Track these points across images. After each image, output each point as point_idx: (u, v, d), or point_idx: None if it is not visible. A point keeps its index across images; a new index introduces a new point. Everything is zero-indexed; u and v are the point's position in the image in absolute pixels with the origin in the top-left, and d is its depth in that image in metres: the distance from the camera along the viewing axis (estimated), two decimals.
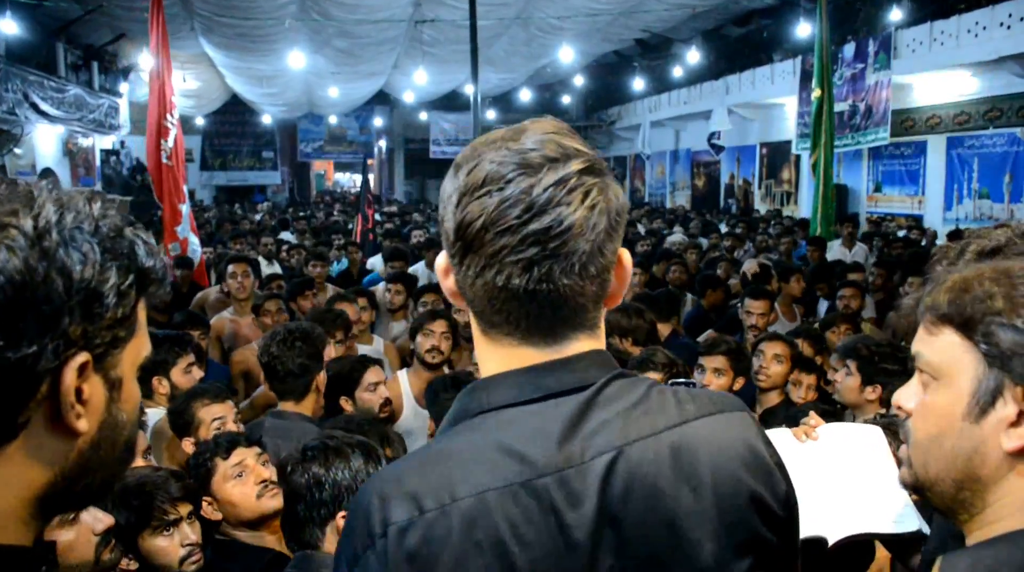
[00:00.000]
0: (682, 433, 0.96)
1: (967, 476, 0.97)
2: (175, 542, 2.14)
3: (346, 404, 3.39)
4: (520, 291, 0.91)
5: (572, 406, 0.94)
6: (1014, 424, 0.92)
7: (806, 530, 1.77)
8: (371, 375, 3.43)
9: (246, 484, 2.30)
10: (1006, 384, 0.92)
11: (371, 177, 35.04)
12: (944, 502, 1.01)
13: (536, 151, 0.92)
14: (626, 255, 1.00)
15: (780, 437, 1.95)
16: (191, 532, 2.17)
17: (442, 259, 0.99)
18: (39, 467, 0.74)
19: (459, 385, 3.15)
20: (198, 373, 3.58)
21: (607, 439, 0.93)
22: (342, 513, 1.92)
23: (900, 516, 1.79)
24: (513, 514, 0.89)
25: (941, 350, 0.98)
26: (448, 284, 0.99)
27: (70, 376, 0.71)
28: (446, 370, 3.97)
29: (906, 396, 1.05)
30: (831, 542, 1.77)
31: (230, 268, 5.41)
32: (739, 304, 5.02)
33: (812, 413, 2.08)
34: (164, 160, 6.54)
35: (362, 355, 3.84)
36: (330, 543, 1.92)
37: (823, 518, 1.79)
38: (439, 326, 3.95)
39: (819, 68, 9.19)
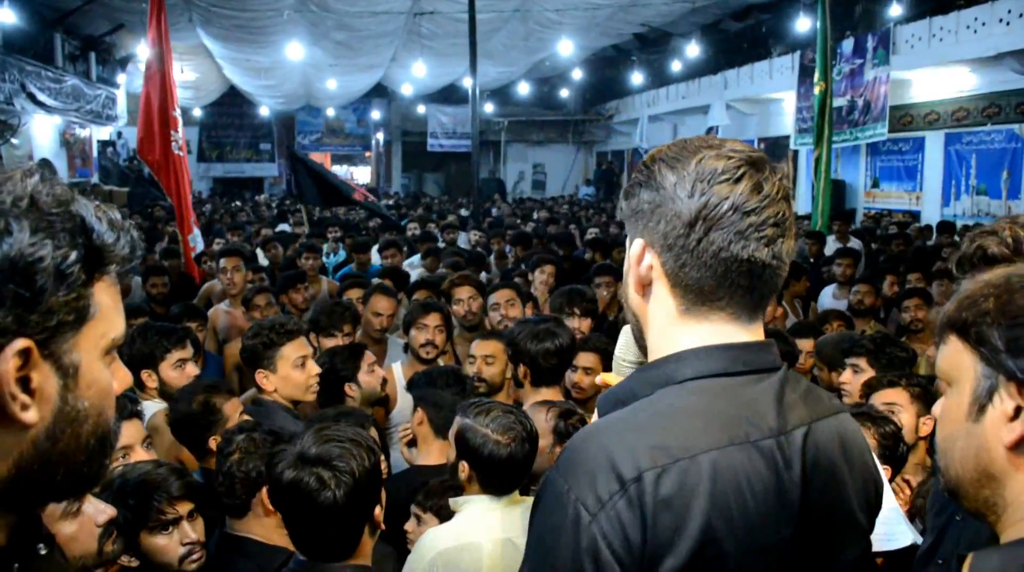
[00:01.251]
0: (838, 420, 1.15)
1: (981, 475, 1.00)
2: (175, 541, 2.13)
3: (351, 390, 3.38)
4: (760, 263, 1.06)
5: (774, 382, 1.09)
6: (1012, 419, 0.95)
7: None
8: (369, 357, 3.48)
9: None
10: (1000, 381, 0.95)
11: (368, 170, 35.00)
12: (972, 504, 1.03)
13: (751, 153, 1.10)
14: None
15: None
16: (191, 530, 2.16)
17: (639, 246, 1.12)
18: None
19: (461, 380, 3.14)
20: (192, 369, 3.42)
21: (800, 415, 1.09)
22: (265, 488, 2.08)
23: (894, 532, 1.80)
24: (748, 468, 1.02)
25: (947, 357, 1.03)
26: (642, 270, 1.12)
27: (6, 365, 0.66)
28: (441, 362, 3.96)
29: (935, 407, 1.12)
30: None
31: (221, 263, 5.39)
32: None
33: None
34: (176, 151, 6.55)
35: (352, 343, 3.82)
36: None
37: None
38: (433, 319, 3.91)
39: (821, 61, 9.20)
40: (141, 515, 2.09)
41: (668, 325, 1.12)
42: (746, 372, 1.08)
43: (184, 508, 2.16)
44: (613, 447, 1.00)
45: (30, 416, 0.69)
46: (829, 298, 6.43)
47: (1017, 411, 0.95)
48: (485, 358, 3.49)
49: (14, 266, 0.65)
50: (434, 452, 2.86)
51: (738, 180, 1.06)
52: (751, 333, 1.11)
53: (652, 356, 1.15)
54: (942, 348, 1.05)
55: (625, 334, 1.35)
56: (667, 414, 1.05)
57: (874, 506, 1.16)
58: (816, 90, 9.35)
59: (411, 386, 3.26)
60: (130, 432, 2.44)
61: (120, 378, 0.80)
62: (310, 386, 3.10)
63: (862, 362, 3.29)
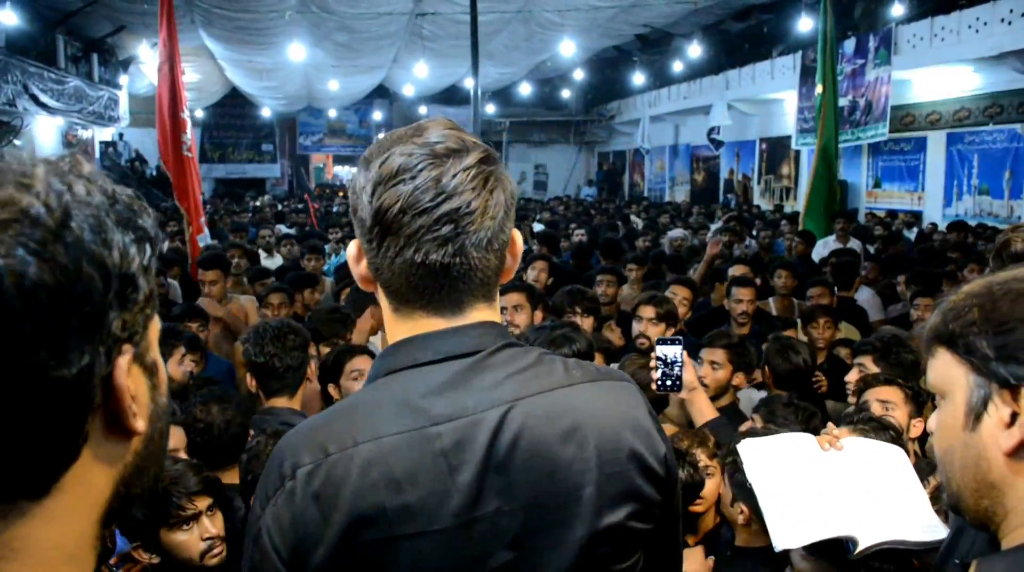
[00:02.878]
0: (568, 393, 1.09)
1: (981, 484, 1.00)
2: (195, 536, 2.14)
3: (333, 391, 3.36)
4: (436, 265, 1.03)
5: (464, 365, 1.07)
6: (1008, 425, 0.95)
7: (838, 530, 1.78)
8: (357, 362, 3.36)
9: None
10: (994, 389, 0.96)
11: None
12: (974, 515, 1.03)
13: (441, 143, 1.05)
14: (518, 235, 1.14)
15: (804, 442, 1.96)
16: (211, 525, 2.17)
17: (353, 247, 1.12)
18: (102, 481, 0.66)
19: None
20: (189, 364, 3.53)
21: (499, 395, 1.06)
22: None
23: (929, 526, 1.79)
24: (407, 457, 1.01)
25: (938, 369, 1.03)
26: (360, 270, 1.12)
27: (123, 377, 0.63)
28: None
29: (930, 420, 1.11)
30: (861, 546, 1.76)
31: (200, 274, 5.35)
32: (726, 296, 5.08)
33: (831, 425, 2.12)
34: (185, 152, 6.59)
35: (349, 344, 3.76)
36: None
37: (854, 520, 1.78)
38: (369, 364, 3.87)
39: (822, 64, 9.17)
40: (160, 512, 2.10)
41: (389, 322, 1.14)
42: (438, 360, 1.07)
43: (203, 503, 2.17)
44: (286, 447, 1.06)
45: (141, 425, 0.66)
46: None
47: (1013, 417, 0.95)
48: (515, 307, 3.98)
49: (122, 271, 0.61)
50: None
51: (414, 178, 1.02)
52: (457, 322, 1.09)
53: None
54: (931, 361, 1.05)
55: None
56: (337, 412, 1.10)
57: (636, 480, 1.09)
58: (816, 92, 9.35)
59: None
60: (177, 436, 2.46)
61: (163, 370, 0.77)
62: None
63: (867, 361, 3.27)
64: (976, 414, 0.98)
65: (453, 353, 1.07)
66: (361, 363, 3.35)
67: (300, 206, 16.93)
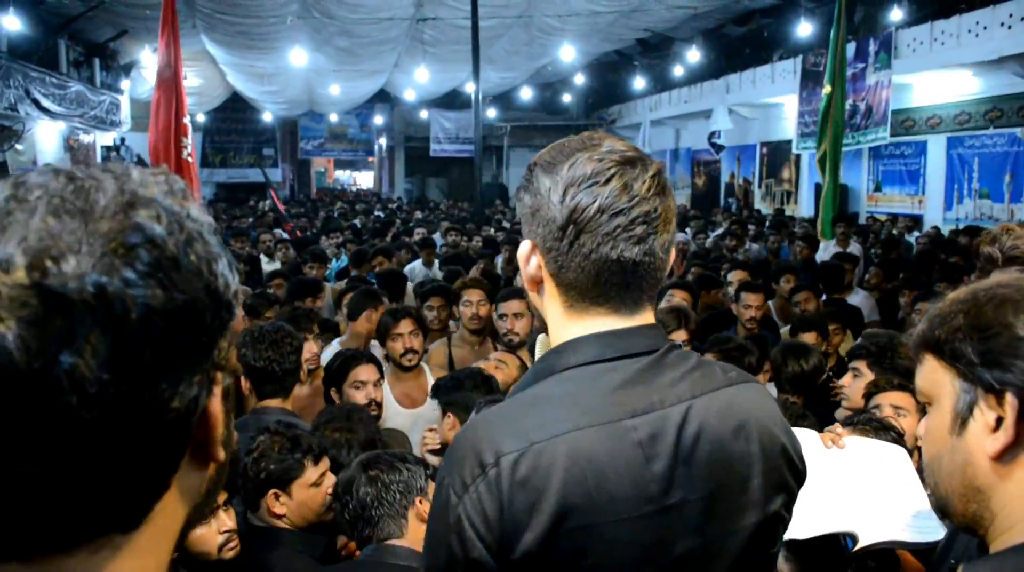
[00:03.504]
0: (731, 392, 1.18)
1: (968, 489, 1.01)
2: (213, 529, 2.18)
3: (335, 396, 3.39)
4: (629, 263, 1.11)
5: (647, 363, 1.14)
6: (994, 430, 0.96)
7: (839, 525, 1.79)
8: (360, 373, 3.36)
9: (321, 492, 2.42)
10: (979, 394, 0.97)
11: (371, 175, 35.00)
12: (961, 520, 1.05)
13: (624, 153, 1.14)
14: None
15: (807, 438, 1.97)
16: (228, 519, 2.21)
17: (526, 247, 1.18)
18: (181, 511, 0.64)
19: (487, 380, 3.10)
20: None
21: (678, 392, 1.14)
22: (419, 499, 2.17)
23: (928, 526, 1.80)
24: (608, 447, 1.07)
25: (925, 376, 1.06)
26: (530, 269, 1.19)
27: (218, 405, 0.61)
28: (424, 365, 3.94)
29: (919, 426, 1.13)
30: (860, 543, 1.77)
31: None
32: (733, 300, 5.08)
33: (837, 425, 2.12)
34: (186, 157, 6.62)
35: (358, 351, 3.73)
36: (413, 528, 2.14)
37: (855, 517, 1.79)
38: (406, 326, 3.83)
39: (832, 65, 9.18)
40: None
41: (559, 320, 1.18)
42: (619, 357, 1.13)
43: (220, 497, 2.19)
44: (480, 437, 1.09)
45: (222, 453, 0.64)
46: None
47: (999, 422, 0.96)
48: (515, 315, 4.01)
49: (225, 298, 0.59)
50: None
51: (607, 182, 1.11)
52: (633, 321, 1.16)
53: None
54: (919, 368, 1.07)
55: (540, 342, 1.45)
56: (536, 402, 1.13)
57: (785, 474, 1.19)
58: (824, 91, 9.35)
59: (436, 392, 3.22)
60: None
61: None
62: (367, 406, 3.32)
63: (862, 366, 3.24)
64: (962, 419, 1.00)
65: (633, 351, 1.14)
66: (364, 373, 3.35)
67: (301, 210, 16.93)
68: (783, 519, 1.20)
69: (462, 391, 2.99)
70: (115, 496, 0.56)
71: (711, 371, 1.20)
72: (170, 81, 6.63)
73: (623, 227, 1.10)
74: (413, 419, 3.67)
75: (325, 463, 2.45)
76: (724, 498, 1.12)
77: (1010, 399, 0.95)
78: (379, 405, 3.37)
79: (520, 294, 4.23)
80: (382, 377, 3.48)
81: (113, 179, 0.57)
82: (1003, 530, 0.99)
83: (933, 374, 1.04)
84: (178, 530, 0.65)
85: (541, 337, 1.32)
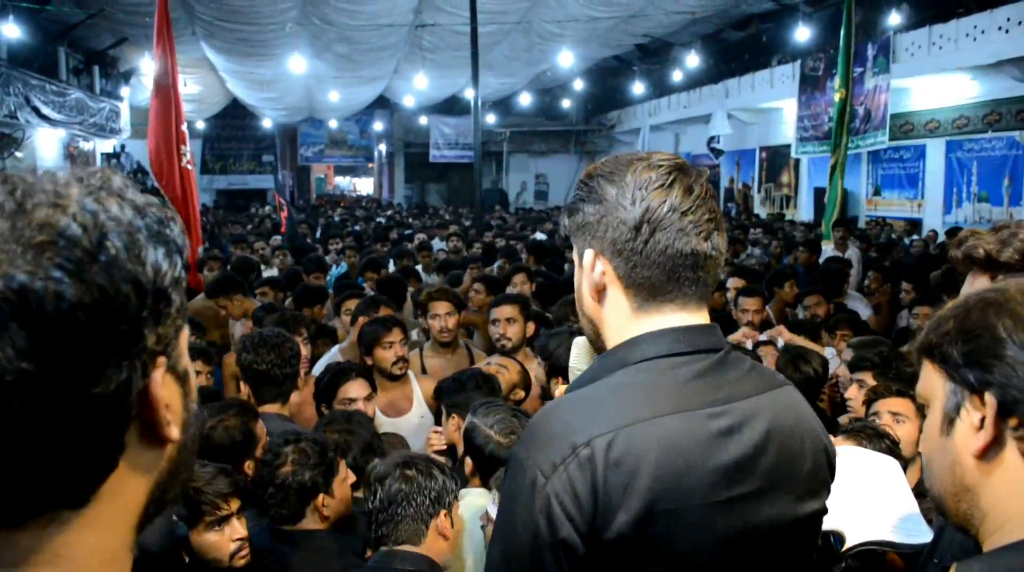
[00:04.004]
0: (784, 393, 1.25)
1: (958, 488, 1.04)
2: (226, 537, 2.20)
3: (324, 412, 3.29)
4: (702, 254, 1.19)
5: (715, 360, 1.20)
6: (979, 429, 1.00)
7: (826, 524, 1.81)
8: (350, 389, 3.27)
9: (348, 485, 2.48)
10: (965, 395, 1.02)
11: (370, 181, 35.05)
12: (955, 519, 1.08)
13: (675, 160, 1.23)
14: None
15: None
16: (240, 527, 2.23)
17: (590, 256, 1.23)
18: (139, 489, 0.68)
19: (489, 381, 3.13)
20: (201, 379, 3.43)
21: (746, 389, 1.20)
22: (444, 512, 2.15)
23: (915, 529, 1.82)
24: (690, 435, 1.12)
25: (922, 380, 1.10)
26: (596, 277, 1.23)
27: (158, 389, 0.64)
28: (410, 373, 3.91)
29: (906, 438, 1.18)
30: (848, 543, 1.79)
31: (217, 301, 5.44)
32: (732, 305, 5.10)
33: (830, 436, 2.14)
34: (185, 164, 6.63)
35: (349, 363, 3.61)
36: (431, 539, 2.13)
37: (842, 517, 1.81)
38: (398, 334, 3.79)
39: (843, 69, 9.21)
40: (195, 512, 2.16)
41: (624, 322, 1.23)
42: (690, 352, 1.19)
43: (234, 505, 2.22)
44: (567, 418, 1.13)
45: (175, 433, 0.68)
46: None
47: (982, 421, 0.99)
48: (507, 320, 4.03)
49: (156, 286, 0.62)
50: None
51: (671, 185, 1.19)
52: (697, 319, 1.23)
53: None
54: (920, 374, 1.11)
55: (577, 345, 1.46)
56: (617, 389, 1.16)
57: (826, 472, 1.26)
58: (836, 97, 9.38)
59: (439, 394, 3.21)
60: None
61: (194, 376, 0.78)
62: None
63: (867, 377, 3.23)
64: (950, 420, 1.04)
65: (701, 347, 1.20)
66: (354, 390, 3.26)
67: (302, 217, 16.94)
68: (824, 513, 1.27)
69: (464, 392, 3.01)
70: (56, 474, 0.60)
71: (765, 372, 1.28)
72: (167, 89, 6.63)
73: (694, 223, 1.18)
74: (396, 428, 3.63)
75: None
76: (788, 491, 1.18)
77: (989, 399, 0.98)
78: (371, 420, 3.29)
79: (513, 299, 4.24)
80: (374, 390, 3.40)
81: (46, 182, 0.61)
82: (993, 529, 1.02)
83: (928, 377, 1.08)
84: (139, 508, 0.68)
85: (579, 341, 1.45)
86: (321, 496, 2.32)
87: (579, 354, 1.45)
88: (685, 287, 1.20)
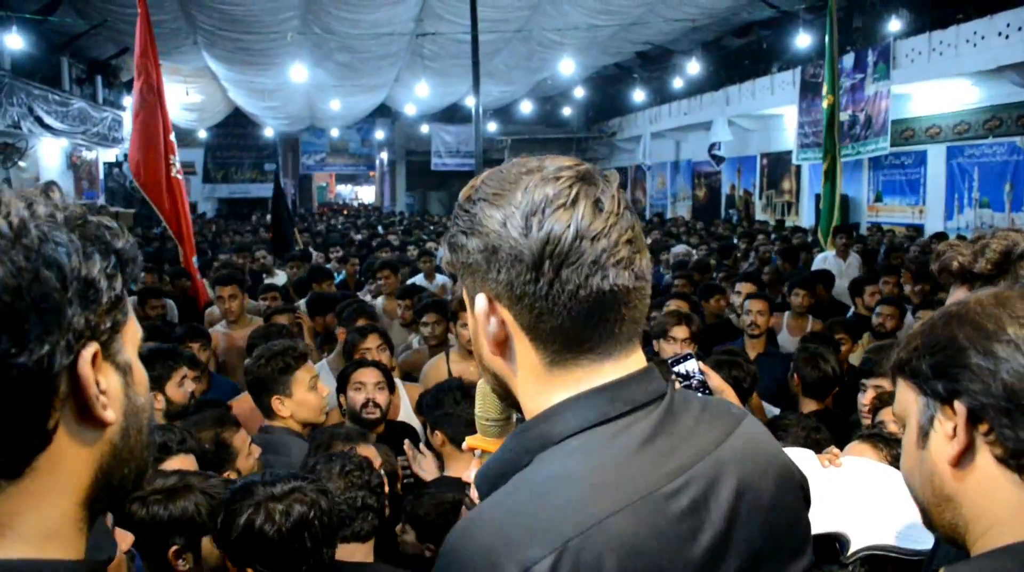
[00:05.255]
0: (744, 430, 1.03)
1: (939, 498, 1.07)
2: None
3: (342, 401, 3.41)
4: (622, 291, 0.93)
5: (660, 414, 0.97)
6: (952, 437, 1.03)
7: (833, 526, 1.82)
8: (362, 374, 3.37)
9: None
10: (936, 406, 1.05)
11: (372, 189, 35.11)
12: (942, 531, 1.10)
13: (578, 167, 0.96)
14: None
15: (805, 459, 2.03)
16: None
17: (484, 302, 0.97)
18: (81, 466, 0.73)
19: (466, 392, 3.06)
20: (190, 385, 3.37)
21: (702, 443, 0.97)
22: None
23: (920, 536, 1.83)
24: (651, 527, 0.88)
25: (898, 397, 1.12)
26: (493, 329, 0.97)
27: (87, 368, 0.70)
28: (398, 382, 3.92)
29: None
30: (853, 548, 1.80)
31: (216, 290, 5.37)
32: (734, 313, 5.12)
33: (833, 447, 2.18)
34: (175, 174, 6.66)
35: (364, 358, 3.71)
36: None
37: (848, 521, 1.83)
38: (373, 341, 3.90)
39: (829, 76, 9.22)
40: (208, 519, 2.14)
41: (536, 382, 0.98)
42: (627, 412, 0.95)
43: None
44: (489, 543, 0.85)
45: (110, 415, 0.72)
46: (784, 334, 5.85)
47: (955, 430, 1.02)
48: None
49: (79, 274, 0.69)
50: (461, 465, 2.87)
51: (575, 202, 0.92)
52: (627, 365, 0.98)
53: (527, 418, 1.00)
54: (896, 392, 1.13)
55: (482, 391, 1.18)
56: (546, 488, 0.90)
57: (802, 506, 1.08)
58: (824, 103, 9.38)
59: (419, 408, 3.22)
60: (187, 462, 2.46)
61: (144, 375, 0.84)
62: (323, 407, 3.08)
63: (885, 383, 3.13)
64: (925, 432, 1.07)
65: (641, 402, 0.96)
66: (365, 375, 3.36)
67: (304, 226, 16.98)
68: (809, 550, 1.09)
69: (443, 408, 2.98)
70: None
71: (717, 409, 1.05)
72: (153, 102, 6.66)
73: (608, 251, 0.92)
74: None
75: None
76: (768, 558, 0.99)
77: (959, 407, 1.01)
78: (378, 405, 3.34)
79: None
80: (389, 383, 3.46)
81: None
82: (978, 535, 1.04)
83: (902, 394, 1.11)
84: (83, 484, 0.73)
85: (484, 386, 1.23)
86: None
87: (483, 402, 1.20)
88: (606, 331, 0.95)
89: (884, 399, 2.89)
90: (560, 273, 0.91)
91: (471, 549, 0.86)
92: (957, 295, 1.65)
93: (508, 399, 1.05)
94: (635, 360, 0.98)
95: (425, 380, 4.27)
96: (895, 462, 2.39)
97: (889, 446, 2.40)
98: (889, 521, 1.87)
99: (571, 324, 0.93)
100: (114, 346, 0.74)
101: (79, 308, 0.69)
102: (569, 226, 0.91)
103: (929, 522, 1.12)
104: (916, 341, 1.08)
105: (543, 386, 0.97)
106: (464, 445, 1.24)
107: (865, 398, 3.26)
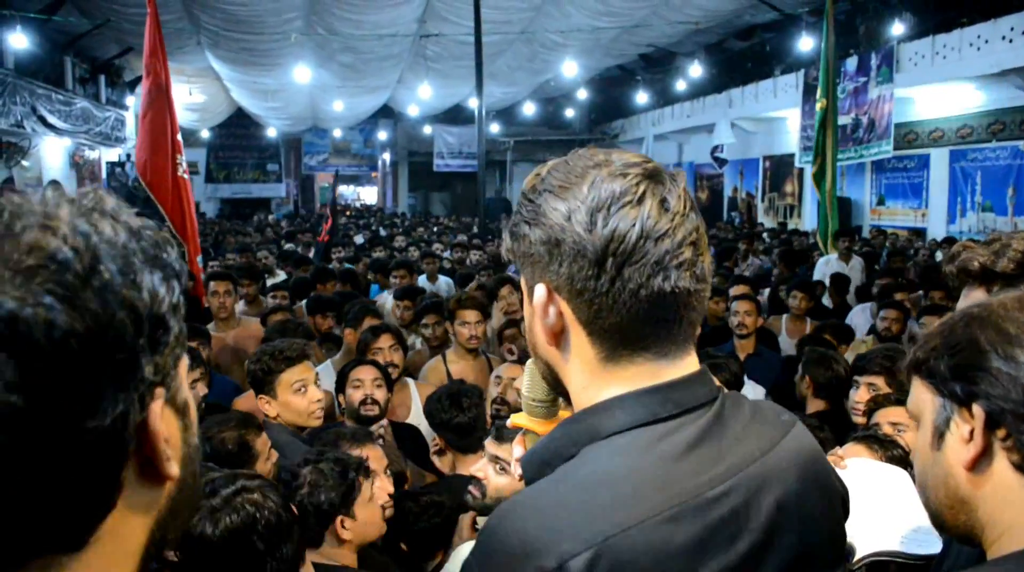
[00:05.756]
0: (793, 441, 1.02)
1: (953, 500, 1.06)
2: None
3: (341, 400, 3.44)
4: (684, 293, 0.92)
5: (709, 419, 0.96)
6: (968, 441, 1.02)
7: None
8: (359, 372, 3.42)
9: (375, 505, 2.41)
10: (954, 409, 1.03)
11: (374, 190, 35.17)
12: (955, 532, 1.09)
13: (646, 164, 0.95)
14: None
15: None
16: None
17: (542, 293, 0.96)
18: (138, 529, 0.64)
19: (458, 401, 3.10)
20: (202, 389, 3.40)
21: (748, 450, 0.96)
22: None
23: (926, 540, 1.82)
24: (692, 532, 0.87)
25: (913, 396, 1.11)
26: (551, 321, 0.96)
27: (157, 422, 0.60)
28: (408, 380, 4.03)
29: (913, 445, 1.20)
30: (859, 555, 1.79)
31: (211, 285, 5.32)
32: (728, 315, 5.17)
33: (838, 448, 2.19)
34: (181, 174, 6.66)
35: (363, 358, 3.76)
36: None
37: (852, 528, 1.82)
38: (386, 341, 3.93)
39: (824, 79, 9.20)
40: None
41: (589, 375, 0.98)
42: (677, 414, 0.95)
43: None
44: (530, 530, 0.86)
45: (174, 469, 0.63)
46: (784, 336, 5.88)
47: (971, 433, 1.01)
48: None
49: (153, 313, 0.58)
50: (467, 465, 2.88)
51: (641, 200, 0.91)
52: (682, 367, 0.97)
53: (576, 409, 1.01)
54: (911, 390, 1.12)
55: (530, 371, 1.17)
56: (591, 482, 0.90)
57: (841, 517, 1.09)
58: (818, 107, 9.37)
59: (427, 415, 3.25)
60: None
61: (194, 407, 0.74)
62: (312, 412, 3.05)
63: (879, 381, 3.20)
64: (940, 433, 1.06)
65: (691, 405, 0.96)
66: (362, 373, 3.40)
67: (306, 226, 16.99)
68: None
69: (444, 414, 3.04)
70: (50, 516, 0.56)
71: (767, 415, 1.04)
72: (162, 101, 6.65)
73: (671, 252, 0.91)
74: None
75: (375, 476, 2.44)
76: (808, 564, 0.98)
77: (977, 410, 1.00)
78: (376, 402, 3.35)
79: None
80: (387, 381, 3.48)
81: (35, 203, 0.57)
82: (994, 539, 1.03)
83: (918, 393, 1.10)
84: (140, 548, 0.64)
85: (531, 367, 1.14)
86: (340, 519, 2.27)
87: (531, 382, 1.20)
88: (663, 331, 0.95)
89: (879, 401, 2.88)
90: (622, 271, 0.90)
91: (510, 533, 0.87)
92: (972, 296, 1.62)
93: (557, 387, 1.05)
94: (689, 362, 0.98)
95: (424, 381, 4.28)
96: (890, 463, 2.39)
97: (884, 447, 2.40)
98: (893, 525, 1.86)
99: (629, 322, 0.93)
100: (173, 385, 0.64)
101: (150, 353, 0.59)
102: (634, 225, 0.90)
103: (941, 523, 1.11)
104: (935, 341, 1.06)
105: (595, 380, 0.97)
106: (509, 422, 1.23)
107: (857, 395, 3.27)
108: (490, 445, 2.28)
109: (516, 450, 1.20)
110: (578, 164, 0.96)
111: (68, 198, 0.60)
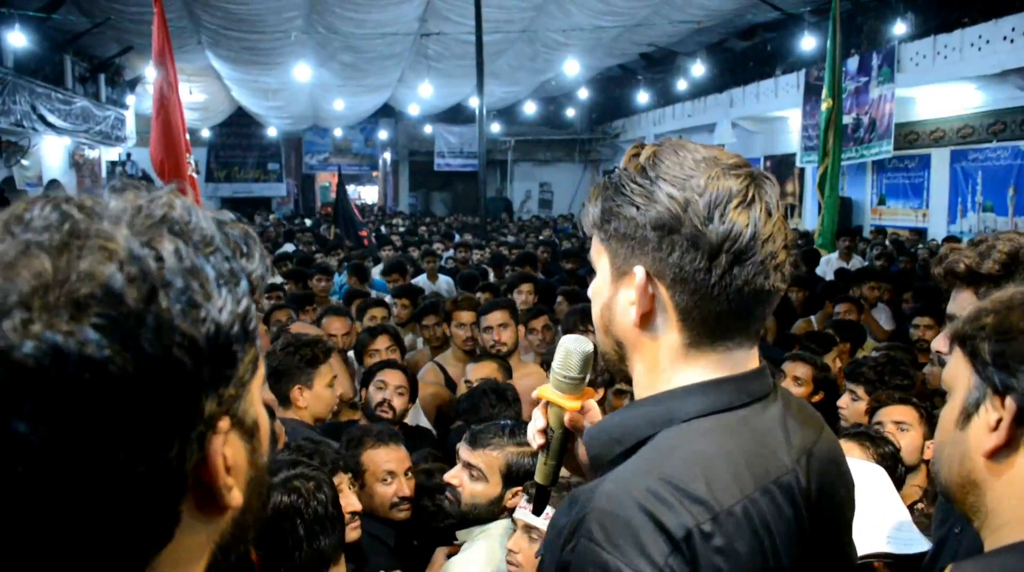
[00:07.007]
0: (827, 434, 1.11)
1: (965, 480, 1.06)
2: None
3: (364, 394, 3.53)
4: (777, 292, 1.00)
5: (777, 410, 1.04)
6: (993, 429, 1.01)
7: None
8: (385, 375, 3.50)
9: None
10: (988, 393, 1.02)
11: (375, 189, 35.18)
12: (960, 507, 1.09)
13: (748, 165, 1.01)
14: None
15: None
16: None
17: (642, 276, 0.99)
18: (200, 552, 0.61)
19: (504, 395, 3.18)
20: None
21: (801, 439, 1.04)
22: None
23: (910, 539, 1.82)
24: (776, 506, 0.96)
25: (950, 366, 1.10)
26: (646, 301, 1.00)
27: (218, 457, 0.57)
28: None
29: (912, 444, 1.19)
30: None
31: None
32: None
33: None
34: (190, 173, 6.70)
35: (392, 359, 3.85)
36: None
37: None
38: (383, 342, 4.00)
39: (829, 79, 9.19)
40: None
41: (669, 359, 1.02)
42: (749, 402, 1.01)
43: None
44: (651, 504, 0.91)
45: (236, 498, 0.60)
46: None
47: (998, 423, 1.00)
48: (500, 325, 4.06)
49: (218, 344, 0.54)
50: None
51: (752, 202, 0.97)
52: (751, 358, 1.04)
53: (644, 390, 1.05)
54: (950, 358, 1.10)
55: (565, 348, 1.17)
56: (695, 461, 0.95)
57: (853, 508, 1.16)
58: (823, 106, 9.36)
59: (459, 414, 3.34)
60: None
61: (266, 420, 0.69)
62: (333, 406, 3.19)
63: (860, 390, 3.25)
64: (968, 414, 1.05)
65: (758, 395, 1.03)
66: (388, 376, 3.47)
67: (308, 228, 16.97)
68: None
69: (478, 413, 3.08)
70: (103, 553, 0.53)
71: (807, 409, 1.13)
72: (172, 99, 6.66)
73: (772, 255, 0.97)
74: None
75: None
76: (837, 547, 1.09)
77: (1010, 403, 0.99)
78: (392, 408, 3.42)
79: (504, 305, 4.29)
80: (412, 391, 3.56)
81: (100, 216, 0.54)
82: (994, 528, 1.03)
83: (956, 366, 1.08)
84: (203, 565, 0.62)
85: (568, 343, 1.17)
86: None
87: (565, 358, 1.17)
88: (748, 325, 1.01)
89: (881, 400, 2.90)
90: (733, 267, 0.96)
91: (631, 508, 0.91)
92: (961, 298, 1.62)
93: (618, 367, 1.09)
94: (754, 355, 1.05)
95: (422, 382, 4.26)
96: (881, 461, 2.40)
97: (875, 444, 2.41)
98: (881, 525, 1.86)
99: (725, 314, 0.98)
100: (243, 406, 0.60)
101: (212, 388, 0.55)
102: (748, 226, 0.96)
103: (947, 495, 1.11)
104: (987, 320, 1.03)
105: (675, 364, 1.02)
106: (534, 394, 1.25)
107: (842, 401, 3.29)
108: (464, 451, 2.24)
109: (537, 420, 1.22)
110: (686, 157, 1.01)
111: (135, 207, 0.55)
